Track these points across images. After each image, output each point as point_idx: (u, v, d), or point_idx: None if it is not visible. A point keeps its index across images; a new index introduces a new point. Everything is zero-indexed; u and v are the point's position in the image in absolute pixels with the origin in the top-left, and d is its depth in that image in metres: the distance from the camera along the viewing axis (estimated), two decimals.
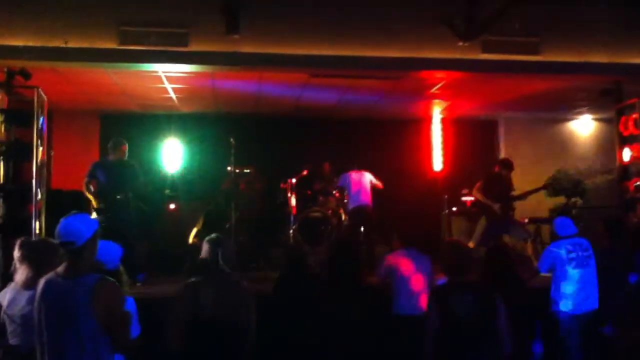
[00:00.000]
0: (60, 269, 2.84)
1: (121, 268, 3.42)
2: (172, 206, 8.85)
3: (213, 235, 3.73)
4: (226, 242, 3.67)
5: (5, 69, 6.32)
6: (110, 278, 2.89)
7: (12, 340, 3.25)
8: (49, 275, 2.85)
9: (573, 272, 5.01)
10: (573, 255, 5.06)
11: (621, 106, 7.30)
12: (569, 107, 9.74)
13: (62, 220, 2.85)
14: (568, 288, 5.02)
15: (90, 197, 6.56)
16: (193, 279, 3.58)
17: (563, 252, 5.07)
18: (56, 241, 2.87)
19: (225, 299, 3.46)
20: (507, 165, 7.68)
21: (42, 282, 2.85)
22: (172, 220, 8.67)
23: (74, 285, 2.75)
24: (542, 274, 5.24)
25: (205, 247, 3.64)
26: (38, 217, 6.25)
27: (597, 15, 6.94)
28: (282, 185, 9.04)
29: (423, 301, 4.75)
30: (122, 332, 2.88)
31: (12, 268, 3.40)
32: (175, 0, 6.31)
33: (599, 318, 5.07)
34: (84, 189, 6.62)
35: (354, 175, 8.30)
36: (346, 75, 7.42)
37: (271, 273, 5.65)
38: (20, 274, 3.31)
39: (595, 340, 5.06)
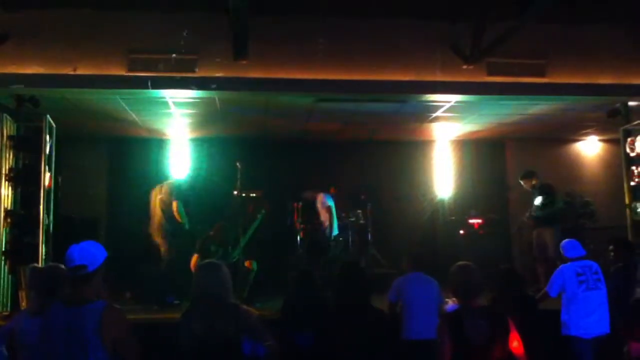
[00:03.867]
0: (67, 295, 2.84)
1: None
2: None
3: (206, 261, 3.73)
4: (219, 267, 3.56)
5: (15, 96, 6.41)
6: (116, 305, 2.89)
7: None
8: (57, 302, 2.85)
9: (583, 296, 4.94)
10: (583, 278, 5.00)
11: (628, 127, 7.27)
12: (576, 128, 9.73)
13: (74, 245, 2.86)
14: (579, 312, 4.94)
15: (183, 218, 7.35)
16: (187, 308, 3.54)
17: (572, 275, 5.01)
18: (64, 267, 2.87)
19: (218, 325, 3.32)
20: (522, 176, 7.95)
21: (49, 310, 2.84)
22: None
23: (81, 312, 2.75)
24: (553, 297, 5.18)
25: (198, 274, 3.59)
26: (45, 243, 6.26)
27: (603, 36, 6.96)
28: (294, 204, 9.08)
29: (433, 325, 4.69)
30: (130, 359, 2.86)
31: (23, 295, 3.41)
32: (183, 27, 6.39)
33: (618, 339, 4.97)
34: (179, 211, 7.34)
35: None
36: (352, 99, 7.46)
37: (280, 296, 5.61)
38: (30, 301, 3.30)
39: None
